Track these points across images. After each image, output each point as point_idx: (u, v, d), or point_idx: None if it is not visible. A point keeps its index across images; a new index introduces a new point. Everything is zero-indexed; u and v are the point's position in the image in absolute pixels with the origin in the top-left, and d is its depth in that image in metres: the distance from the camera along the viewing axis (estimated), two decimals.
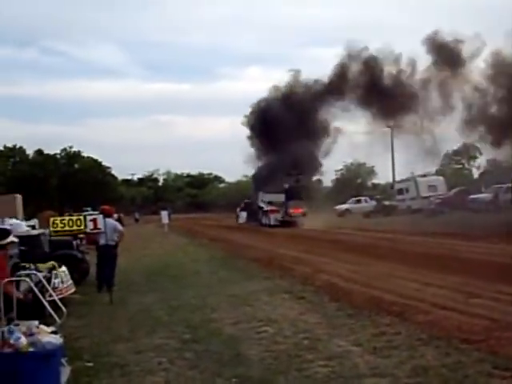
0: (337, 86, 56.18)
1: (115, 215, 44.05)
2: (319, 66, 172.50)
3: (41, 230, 14.70)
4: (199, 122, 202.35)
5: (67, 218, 15.00)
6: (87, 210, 36.89)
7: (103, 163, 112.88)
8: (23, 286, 8.71)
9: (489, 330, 9.14)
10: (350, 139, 62.27)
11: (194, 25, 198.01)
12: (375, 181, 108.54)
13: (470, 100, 42.89)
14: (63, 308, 8.35)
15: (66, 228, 14.38)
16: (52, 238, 15.94)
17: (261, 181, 62.08)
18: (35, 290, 8.13)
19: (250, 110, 66.80)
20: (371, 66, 52.37)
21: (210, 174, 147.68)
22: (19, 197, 14.89)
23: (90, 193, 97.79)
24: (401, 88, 49.67)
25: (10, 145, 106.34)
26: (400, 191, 61.72)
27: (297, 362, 8.41)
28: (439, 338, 9.00)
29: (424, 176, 62.27)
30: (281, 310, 12.38)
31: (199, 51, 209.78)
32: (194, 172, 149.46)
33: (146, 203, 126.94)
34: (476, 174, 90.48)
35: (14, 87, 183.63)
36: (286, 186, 55.44)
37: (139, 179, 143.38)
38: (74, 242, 18.57)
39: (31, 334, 6.29)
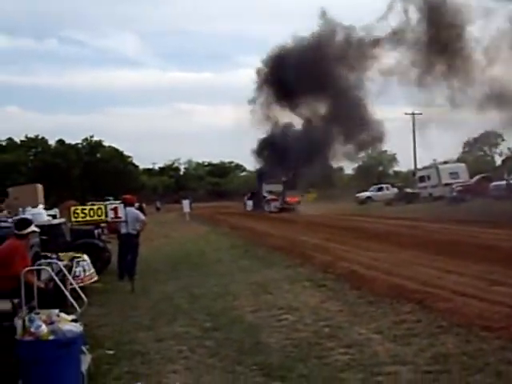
0: None
1: (136, 204, 44.34)
2: None
3: (62, 220, 14.75)
4: (220, 110, 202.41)
5: (88, 207, 15.04)
6: (109, 200, 36.93)
7: (124, 153, 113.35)
8: (44, 275, 8.75)
9: (510, 317, 9.03)
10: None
11: (214, 12, 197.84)
12: (397, 168, 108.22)
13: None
14: (84, 297, 8.37)
15: (87, 217, 14.44)
16: (73, 227, 16.01)
17: (264, 174, 71.88)
18: (55, 278, 8.17)
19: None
20: None
21: (231, 162, 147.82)
22: (40, 186, 14.96)
23: (111, 182, 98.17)
24: None
25: (31, 135, 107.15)
26: (422, 179, 61.31)
27: (317, 349, 8.42)
28: (460, 325, 8.95)
29: (446, 163, 61.95)
30: (302, 298, 12.38)
31: (219, 39, 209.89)
32: (215, 161, 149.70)
33: (167, 192, 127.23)
34: (499, 160, 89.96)
35: (34, 78, 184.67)
36: (284, 178, 66.77)
37: (160, 168, 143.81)
38: (96, 231, 18.63)
39: (51, 323, 6.33)
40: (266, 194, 67.83)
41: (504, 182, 43.31)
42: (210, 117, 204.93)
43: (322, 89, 58.72)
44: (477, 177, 52.08)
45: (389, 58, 54.38)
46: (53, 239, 13.61)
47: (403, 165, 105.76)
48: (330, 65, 57.73)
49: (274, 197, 65.46)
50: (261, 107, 67.28)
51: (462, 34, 44.44)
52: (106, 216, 14.70)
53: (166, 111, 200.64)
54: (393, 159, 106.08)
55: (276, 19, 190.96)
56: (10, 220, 11.72)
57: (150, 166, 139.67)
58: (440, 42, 45.20)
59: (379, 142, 64.63)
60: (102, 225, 21.18)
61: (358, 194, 69.38)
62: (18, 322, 6.40)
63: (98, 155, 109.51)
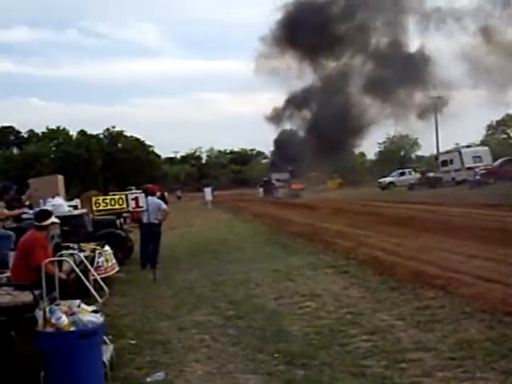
0: None
1: (158, 193, 44.52)
2: None
3: (83, 210, 14.81)
4: (241, 98, 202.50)
5: (109, 197, 15.08)
6: (131, 189, 37.13)
7: (146, 142, 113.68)
8: (66, 267, 8.78)
9: None
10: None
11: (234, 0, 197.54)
12: (419, 153, 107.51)
13: None
14: (105, 287, 8.39)
15: (108, 207, 14.49)
16: (95, 217, 16.08)
17: (276, 163, 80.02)
18: (76, 269, 8.19)
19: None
20: None
21: (253, 149, 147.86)
22: (61, 177, 15.00)
23: (134, 172, 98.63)
24: None
25: (52, 126, 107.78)
26: (444, 163, 60.86)
27: (339, 336, 8.38)
28: (483, 311, 8.85)
29: (469, 147, 61.46)
30: (324, 285, 12.34)
31: (240, 27, 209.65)
32: (236, 148, 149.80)
33: (189, 181, 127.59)
34: None
35: (54, 69, 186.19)
36: (290, 168, 72.34)
37: (182, 157, 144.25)
38: (118, 221, 18.69)
39: (72, 314, 6.33)
40: (274, 182, 74.80)
41: None
42: (232, 105, 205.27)
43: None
44: (500, 160, 51.59)
45: None
46: (74, 230, 13.65)
47: (425, 149, 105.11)
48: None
49: (281, 184, 72.13)
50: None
51: None
52: (128, 206, 14.75)
53: (186, 100, 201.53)
54: (415, 143, 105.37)
55: None
56: (31, 212, 11.78)
57: (172, 155, 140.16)
58: None
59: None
60: (125, 214, 21.30)
61: (380, 180, 69.16)
62: (39, 314, 6.41)
63: (120, 145, 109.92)
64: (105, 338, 7.71)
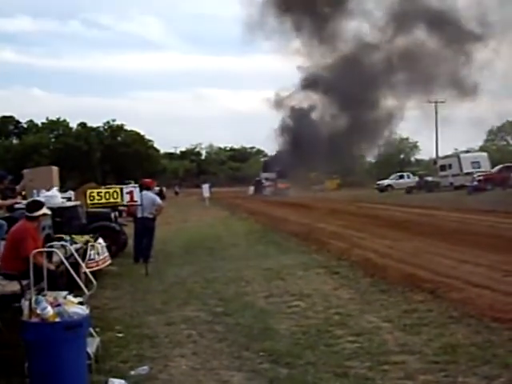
0: None
1: (157, 188, 44.52)
2: None
3: (76, 202, 14.80)
4: (242, 95, 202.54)
5: (104, 190, 15.07)
6: (129, 183, 37.12)
7: (146, 136, 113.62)
8: (56, 258, 8.79)
9: None
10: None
11: None
12: (418, 156, 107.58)
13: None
14: (93, 280, 8.41)
15: (103, 200, 14.48)
16: (90, 209, 16.07)
17: (269, 165, 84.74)
18: (64, 261, 8.21)
19: None
20: None
21: (253, 147, 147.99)
22: (56, 169, 14.97)
23: (132, 166, 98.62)
24: None
25: (53, 118, 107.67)
26: (443, 167, 61.02)
27: (325, 337, 8.39)
28: (471, 316, 8.88)
29: (467, 152, 61.57)
30: (314, 285, 12.36)
31: (242, 24, 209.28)
32: (236, 146, 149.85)
33: (188, 176, 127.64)
34: None
35: (56, 60, 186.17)
36: (278, 168, 77.74)
37: (182, 152, 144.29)
38: (113, 214, 18.68)
39: (58, 305, 6.34)
40: (263, 181, 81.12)
41: None
42: (232, 101, 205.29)
43: None
44: (498, 166, 51.71)
45: None
46: (67, 222, 13.64)
47: (425, 153, 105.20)
48: None
49: (269, 183, 78.88)
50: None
51: None
52: (122, 199, 14.75)
53: (187, 95, 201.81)
54: (414, 147, 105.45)
55: None
56: (24, 202, 11.78)
57: (172, 150, 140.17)
58: None
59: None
60: (121, 208, 21.29)
61: (378, 182, 69.26)
62: (25, 304, 6.42)
63: (119, 139, 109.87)
64: (91, 330, 7.73)
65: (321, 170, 70.29)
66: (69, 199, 14.31)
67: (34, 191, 13.19)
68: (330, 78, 64.97)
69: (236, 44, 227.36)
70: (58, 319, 6.25)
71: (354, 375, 6.74)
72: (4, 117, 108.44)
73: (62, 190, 15.63)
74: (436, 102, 71.19)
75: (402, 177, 69.13)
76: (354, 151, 70.80)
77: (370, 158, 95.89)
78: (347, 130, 62.58)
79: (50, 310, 6.21)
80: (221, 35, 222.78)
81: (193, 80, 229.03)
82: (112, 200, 14.54)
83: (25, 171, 15.63)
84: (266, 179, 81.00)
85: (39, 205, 9.16)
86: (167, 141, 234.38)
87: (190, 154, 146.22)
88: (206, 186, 57.87)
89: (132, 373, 7.16)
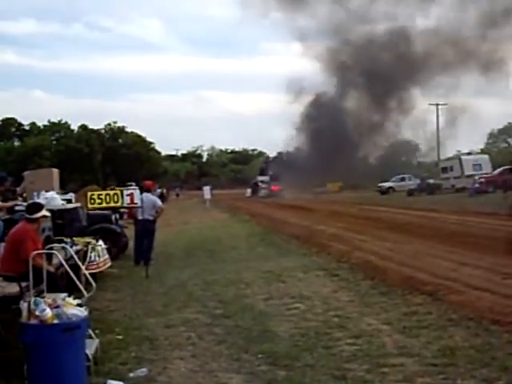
0: None
1: (158, 190, 44.44)
2: None
3: (77, 204, 14.83)
4: (243, 97, 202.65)
5: (104, 192, 15.09)
6: (131, 185, 37.22)
7: (147, 138, 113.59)
8: (56, 260, 8.80)
9: None
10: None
11: None
12: (420, 159, 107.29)
13: None
14: (93, 282, 8.42)
15: (103, 203, 14.50)
16: (90, 212, 16.09)
17: (265, 169, 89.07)
18: (63, 263, 8.22)
19: None
20: None
21: (254, 149, 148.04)
22: (56, 171, 14.97)
23: (134, 168, 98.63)
24: None
25: (54, 120, 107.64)
26: (444, 170, 61.03)
27: (324, 339, 8.39)
28: (470, 318, 8.88)
29: (469, 154, 61.55)
30: (314, 287, 12.36)
31: (242, 26, 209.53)
32: (238, 148, 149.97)
33: (189, 179, 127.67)
34: None
35: (58, 62, 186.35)
36: (271, 172, 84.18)
37: (183, 155, 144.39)
38: (113, 216, 18.70)
39: (56, 307, 6.35)
40: (259, 184, 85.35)
41: None
42: (233, 103, 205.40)
43: None
44: (500, 169, 51.67)
45: None
46: (68, 224, 13.66)
47: (427, 155, 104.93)
48: None
49: (263, 186, 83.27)
50: None
51: None
52: (122, 202, 14.76)
53: (188, 97, 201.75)
54: (416, 149, 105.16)
55: None
56: (24, 204, 11.80)
57: (173, 152, 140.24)
58: None
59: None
60: (122, 210, 21.32)
61: (380, 184, 69.20)
62: (24, 305, 6.43)
63: (121, 141, 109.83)
64: (90, 332, 7.75)
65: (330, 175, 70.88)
66: (69, 201, 14.34)
67: (35, 193, 13.20)
68: (362, 64, 64.43)
69: (237, 46, 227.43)
70: (56, 321, 6.27)
71: (353, 378, 6.74)
72: (6, 119, 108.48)
73: (63, 192, 15.61)
74: (437, 105, 71.16)
75: (403, 179, 69.03)
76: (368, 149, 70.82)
77: (372, 160, 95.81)
78: (370, 125, 62.32)
79: (48, 312, 6.23)
80: (222, 37, 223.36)
81: (194, 82, 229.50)
82: (112, 202, 14.55)
83: (25, 173, 15.64)
84: (262, 182, 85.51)
85: (39, 207, 9.18)
86: (168, 143, 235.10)
87: (191, 157, 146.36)
88: (207, 188, 57.99)
89: (131, 375, 7.16)
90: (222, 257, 18.13)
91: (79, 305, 6.74)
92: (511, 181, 44.19)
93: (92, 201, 14.54)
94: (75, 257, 9.24)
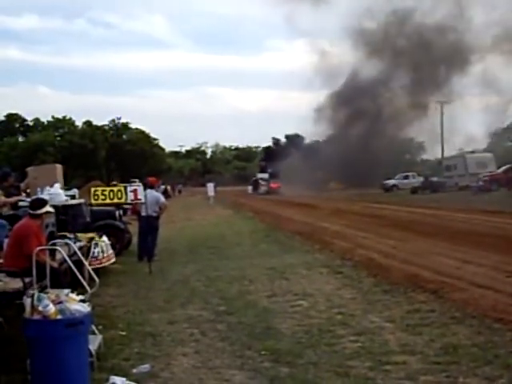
0: None
1: (162, 187, 44.38)
2: None
3: (81, 200, 14.84)
4: (247, 94, 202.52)
5: (108, 188, 15.11)
6: (135, 182, 37.27)
7: (151, 135, 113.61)
8: (59, 255, 8.80)
9: None
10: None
11: None
12: (424, 157, 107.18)
13: None
14: (96, 278, 8.42)
15: (107, 199, 14.51)
16: (94, 208, 16.11)
17: (264, 167, 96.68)
18: (67, 259, 8.22)
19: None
20: None
21: (258, 146, 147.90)
22: (59, 166, 14.97)
23: (138, 164, 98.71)
24: None
25: (58, 116, 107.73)
26: (448, 168, 60.89)
27: (327, 336, 8.39)
28: (473, 316, 8.87)
29: (473, 153, 61.41)
30: (317, 285, 12.36)
31: (248, 23, 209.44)
32: (241, 145, 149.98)
33: (193, 175, 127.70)
34: None
35: (62, 58, 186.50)
36: (270, 170, 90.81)
37: (187, 151, 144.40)
38: (117, 213, 18.71)
39: (59, 302, 6.35)
40: (259, 181, 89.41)
41: None
42: (238, 100, 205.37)
43: None
44: (504, 167, 51.53)
45: None
46: (72, 219, 13.68)
47: (431, 153, 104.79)
48: None
49: (263, 183, 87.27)
50: None
51: None
52: (126, 198, 14.78)
53: (193, 94, 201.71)
54: (420, 147, 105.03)
55: None
56: (28, 199, 11.82)
57: (177, 149, 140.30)
58: None
59: None
60: (126, 206, 21.34)
61: (384, 182, 69.12)
62: (27, 301, 6.43)
63: (125, 137, 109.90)
64: (93, 327, 7.76)
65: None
66: (73, 197, 14.35)
67: (38, 189, 13.22)
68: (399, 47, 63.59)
69: (242, 42, 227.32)
70: (59, 316, 6.26)
71: (355, 375, 6.74)
72: (10, 114, 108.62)
73: (67, 187, 15.63)
74: (442, 102, 71.02)
75: (407, 177, 68.94)
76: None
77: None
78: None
79: (51, 308, 6.23)
80: (227, 34, 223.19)
81: (198, 78, 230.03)
82: (116, 199, 14.58)
83: (29, 169, 15.66)
84: (262, 179, 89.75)
85: (42, 202, 9.18)
86: (173, 139, 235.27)
87: (195, 153, 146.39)
88: (210, 185, 58.02)
89: (134, 371, 7.17)
90: (225, 253, 18.12)
91: (82, 300, 6.74)
92: None
93: (96, 197, 14.57)
94: (78, 253, 9.23)
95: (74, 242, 10.45)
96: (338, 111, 76.10)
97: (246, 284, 12.82)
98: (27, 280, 7.54)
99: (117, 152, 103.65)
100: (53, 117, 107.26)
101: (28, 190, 14.81)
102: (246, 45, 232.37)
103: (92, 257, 12.30)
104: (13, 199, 12.59)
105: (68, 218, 13.41)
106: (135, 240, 18.58)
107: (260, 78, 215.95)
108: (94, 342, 7.48)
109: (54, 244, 8.90)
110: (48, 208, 9.11)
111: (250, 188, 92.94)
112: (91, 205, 15.39)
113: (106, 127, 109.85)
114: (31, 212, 8.93)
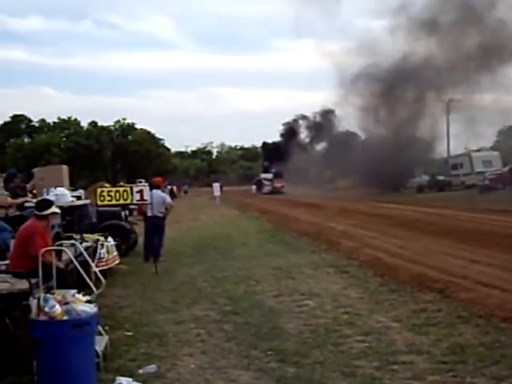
0: None
1: (168, 187, 44.34)
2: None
3: (87, 201, 14.85)
4: (252, 94, 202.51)
5: (114, 189, 15.13)
6: (140, 182, 37.31)
7: (156, 135, 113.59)
8: (66, 256, 8.80)
9: None
10: None
11: None
12: (430, 155, 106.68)
13: None
14: (102, 279, 8.41)
15: (113, 199, 14.52)
16: (100, 208, 16.11)
17: (268, 167, 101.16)
18: (73, 260, 8.21)
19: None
20: None
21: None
22: (65, 167, 14.95)
23: (143, 165, 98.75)
24: None
25: (64, 116, 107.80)
26: (454, 166, 60.67)
27: (334, 336, 8.38)
28: (480, 316, 8.85)
29: (479, 151, 61.19)
30: (323, 284, 12.35)
31: (251, 23, 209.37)
32: (247, 145, 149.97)
33: (199, 175, 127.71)
34: None
35: (68, 59, 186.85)
36: (273, 170, 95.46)
37: (193, 151, 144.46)
38: (123, 213, 18.72)
39: (66, 303, 6.35)
40: (263, 181, 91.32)
41: None
42: (243, 100, 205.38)
43: None
44: (510, 165, 51.34)
45: None
46: (78, 220, 13.66)
47: (437, 152, 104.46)
48: None
49: (267, 183, 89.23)
50: None
51: None
52: (132, 198, 14.78)
53: (198, 94, 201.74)
54: (428, 146, 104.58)
55: None
56: (34, 201, 11.83)
57: (183, 149, 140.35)
58: None
59: None
60: (132, 206, 21.34)
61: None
62: (33, 302, 6.43)
63: (130, 137, 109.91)
64: (100, 328, 7.76)
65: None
66: (79, 198, 14.35)
67: (44, 190, 13.21)
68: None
69: (245, 42, 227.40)
70: (65, 317, 6.26)
71: (362, 375, 6.73)
72: (16, 115, 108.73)
73: (73, 188, 15.63)
74: (449, 101, 70.72)
75: (413, 176, 68.64)
76: None
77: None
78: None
79: (57, 308, 6.23)
80: (231, 34, 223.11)
81: (203, 79, 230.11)
82: (122, 199, 14.58)
83: (35, 170, 15.66)
84: (265, 179, 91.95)
85: (48, 203, 9.18)
86: (178, 140, 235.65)
87: (200, 153, 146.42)
88: (216, 185, 58.10)
89: (140, 371, 7.17)
90: (231, 253, 18.13)
91: (89, 301, 6.74)
92: None
93: (102, 197, 14.58)
94: (85, 253, 9.22)
95: (81, 243, 10.45)
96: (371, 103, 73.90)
97: (252, 284, 12.82)
98: (33, 281, 7.53)
99: (122, 152, 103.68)
100: (58, 118, 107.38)
101: (34, 191, 14.80)
102: (250, 45, 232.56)
103: (98, 258, 12.29)
104: (19, 200, 12.58)
105: (74, 219, 13.39)
106: (141, 240, 18.60)
107: (264, 78, 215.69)
108: (101, 343, 7.48)
109: (61, 245, 8.91)
110: (54, 209, 9.10)
111: (253, 188, 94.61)
112: (97, 205, 15.38)
113: (112, 128, 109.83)
114: (37, 213, 8.93)
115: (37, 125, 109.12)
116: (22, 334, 7.46)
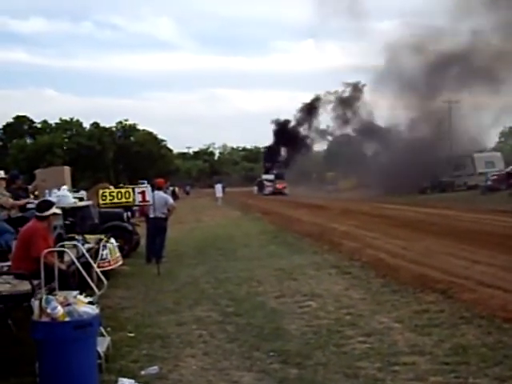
0: None
1: (171, 188, 44.30)
2: None
3: (88, 202, 14.86)
4: (254, 95, 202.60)
5: (116, 190, 15.15)
6: (143, 183, 37.34)
7: (159, 136, 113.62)
8: (67, 258, 8.80)
9: None
10: None
11: None
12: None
13: None
14: (104, 280, 8.40)
15: (115, 200, 14.54)
16: (102, 209, 16.12)
17: (269, 169, 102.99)
18: (75, 260, 8.21)
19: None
20: None
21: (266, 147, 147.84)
22: (68, 168, 14.98)
23: (145, 165, 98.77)
24: None
25: (66, 118, 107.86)
26: (457, 167, 60.53)
27: (336, 337, 8.37)
28: (482, 316, 8.84)
29: (481, 152, 61.07)
30: (326, 285, 12.34)
31: (254, 24, 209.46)
32: (249, 146, 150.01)
33: (201, 176, 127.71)
34: None
35: (70, 61, 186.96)
36: (275, 171, 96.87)
37: (195, 152, 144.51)
38: (125, 214, 18.72)
39: (68, 304, 6.35)
40: (264, 182, 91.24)
41: None
42: (245, 102, 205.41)
43: None
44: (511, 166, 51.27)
45: None
46: (80, 221, 13.68)
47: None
48: None
49: (269, 184, 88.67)
50: None
51: None
52: (134, 199, 14.79)
53: (200, 95, 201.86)
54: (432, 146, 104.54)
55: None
56: (36, 202, 11.84)
57: (185, 150, 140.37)
58: None
59: None
60: (134, 208, 21.36)
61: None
62: (35, 303, 6.43)
63: (132, 138, 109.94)
64: (102, 329, 7.76)
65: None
66: (81, 199, 14.36)
67: (46, 191, 13.23)
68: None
69: (249, 44, 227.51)
70: (67, 319, 6.26)
71: (364, 376, 6.72)
72: (18, 117, 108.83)
73: (75, 189, 15.66)
74: (450, 102, 70.67)
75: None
76: None
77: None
78: None
79: (59, 310, 6.23)
80: (233, 35, 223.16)
81: (205, 80, 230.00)
82: (124, 200, 14.59)
83: (37, 171, 15.70)
84: (266, 180, 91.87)
85: (49, 204, 9.17)
86: (180, 141, 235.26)
87: (203, 154, 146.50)
88: (218, 186, 58.08)
89: (142, 373, 7.17)
90: (233, 255, 18.11)
91: (91, 302, 6.74)
92: None
93: (104, 198, 14.59)
94: (87, 254, 9.23)
95: (83, 244, 10.45)
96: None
97: (254, 285, 12.81)
98: (35, 282, 7.53)
99: (124, 154, 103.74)
100: (60, 119, 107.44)
101: (36, 193, 14.83)
102: (252, 46, 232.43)
103: (100, 259, 12.30)
104: (21, 201, 12.61)
105: (76, 220, 13.40)
106: (143, 242, 18.59)
107: (266, 79, 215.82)
108: (103, 344, 7.48)
109: (63, 246, 8.90)
110: (54, 210, 9.08)
111: (255, 189, 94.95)
112: (99, 206, 15.39)
113: (114, 129, 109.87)
114: (38, 214, 8.92)
115: (39, 126, 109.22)
116: (24, 336, 7.45)
